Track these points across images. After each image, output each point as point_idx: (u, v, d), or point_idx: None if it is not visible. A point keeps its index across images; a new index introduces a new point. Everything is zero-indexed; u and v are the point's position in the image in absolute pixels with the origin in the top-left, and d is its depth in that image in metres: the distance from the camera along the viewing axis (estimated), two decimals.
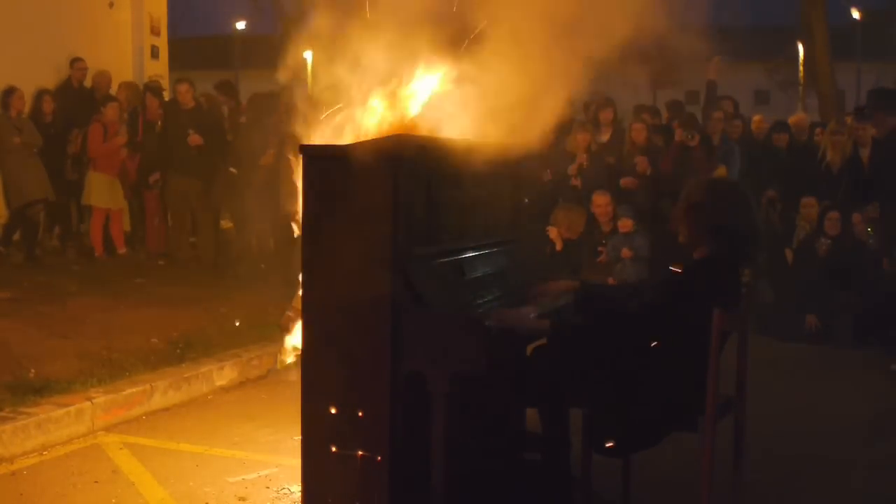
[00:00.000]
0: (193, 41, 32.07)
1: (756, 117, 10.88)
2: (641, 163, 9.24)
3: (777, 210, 9.38)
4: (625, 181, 9.24)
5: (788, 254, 9.23)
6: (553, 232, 8.75)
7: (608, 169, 9.49)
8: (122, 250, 10.11)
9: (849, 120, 9.88)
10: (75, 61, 10.83)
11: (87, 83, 11.01)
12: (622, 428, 3.72)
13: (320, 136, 4.28)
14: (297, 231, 4.34)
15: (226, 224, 10.45)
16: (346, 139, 4.18)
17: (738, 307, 3.74)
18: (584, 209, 8.98)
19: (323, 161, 3.81)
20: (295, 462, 4.23)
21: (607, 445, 3.74)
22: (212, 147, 9.90)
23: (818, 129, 10.32)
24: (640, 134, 9.58)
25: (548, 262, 8.62)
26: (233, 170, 9.71)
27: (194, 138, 9.78)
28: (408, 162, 3.70)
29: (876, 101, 8.76)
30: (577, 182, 9.42)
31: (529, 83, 3.96)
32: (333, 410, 3.78)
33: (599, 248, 8.83)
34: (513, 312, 3.88)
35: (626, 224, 8.72)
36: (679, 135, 9.14)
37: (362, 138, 4.04)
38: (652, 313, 3.65)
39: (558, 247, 8.77)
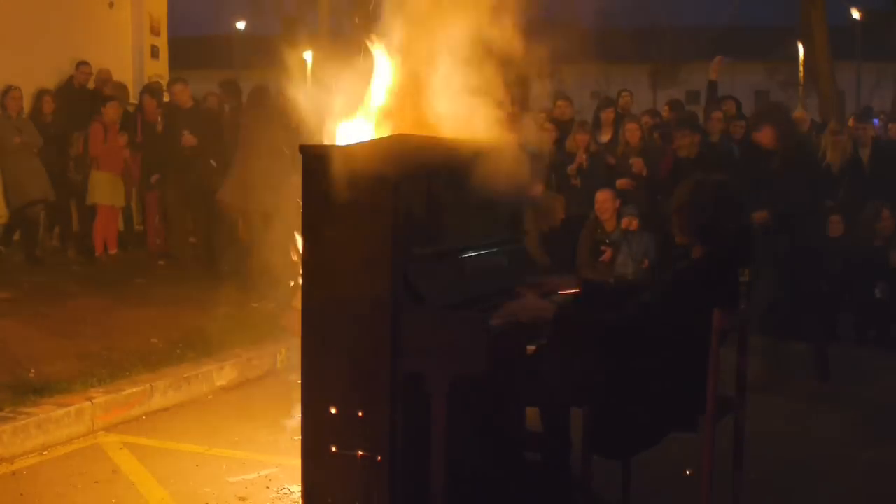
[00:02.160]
0: (193, 41, 32.06)
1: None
2: (637, 164, 9.22)
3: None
4: (621, 183, 9.23)
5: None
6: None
7: (609, 169, 9.48)
8: (113, 251, 10.10)
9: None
10: (81, 65, 10.78)
11: (90, 85, 11.01)
12: (623, 428, 3.72)
13: (321, 136, 4.28)
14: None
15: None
16: (346, 139, 4.18)
17: (737, 306, 3.74)
18: (562, 196, 8.95)
19: (323, 161, 3.80)
20: (295, 462, 4.23)
21: (609, 447, 3.74)
22: (207, 147, 9.87)
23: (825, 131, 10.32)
24: (633, 134, 9.57)
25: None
26: (212, 162, 9.71)
27: (188, 139, 9.77)
28: (408, 162, 3.70)
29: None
30: (576, 182, 9.41)
31: (530, 83, 3.97)
32: (333, 410, 3.78)
33: (602, 248, 8.80)
34: (515, 303, 3.88)
35: (631, 223, 8.69)
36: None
37: (362, 138, 4.04)
38: (650, 314, 3.64)
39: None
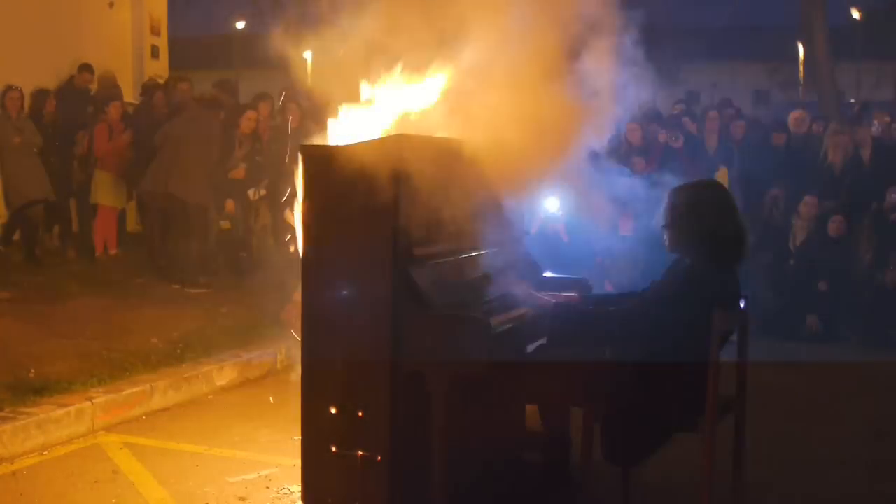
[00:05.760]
0: (193, 41, 32.05)
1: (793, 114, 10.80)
2: (638, 164, 9.21)
3: (780, 209, 9.36)
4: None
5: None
6: (561, 226, 8.67)
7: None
8: (113, 251, 10.09)
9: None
10: (83, 69, 10.76)
11: (92, 87, 11.00)
12: (631, 434, 3.71)
13: (321, 136, 4.28)
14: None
15: (225, 224, 10.46)
16: (346, 139, 4.18)
17: (737, 307, 3.75)
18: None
19: (323, 161, 3.81)
20: (295, 462, 4.23)
21: (620, 454, 3.73)
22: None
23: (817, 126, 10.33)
24: (634, 134, 9.57)
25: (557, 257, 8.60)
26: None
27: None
28: (408, 162, 3.70)
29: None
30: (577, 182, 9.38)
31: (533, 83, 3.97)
32: (333, 410, 3.78)
33: (599, 249, 8.79)
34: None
35: (625, 225, 8.66)
36: (663, 136, 9.13)
37: (363, 138, 4.03)
38: (649, 315, 3.64)
39: (564, 238, 8.72)
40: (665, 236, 3.83)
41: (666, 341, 3.60)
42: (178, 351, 6.79)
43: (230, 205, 9.65)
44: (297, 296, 4.03)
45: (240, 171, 9.55)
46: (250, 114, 9.74)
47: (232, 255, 9.94)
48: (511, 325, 3.88)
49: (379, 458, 3.70)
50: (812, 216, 9.00)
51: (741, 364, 3.91)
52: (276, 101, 10.64)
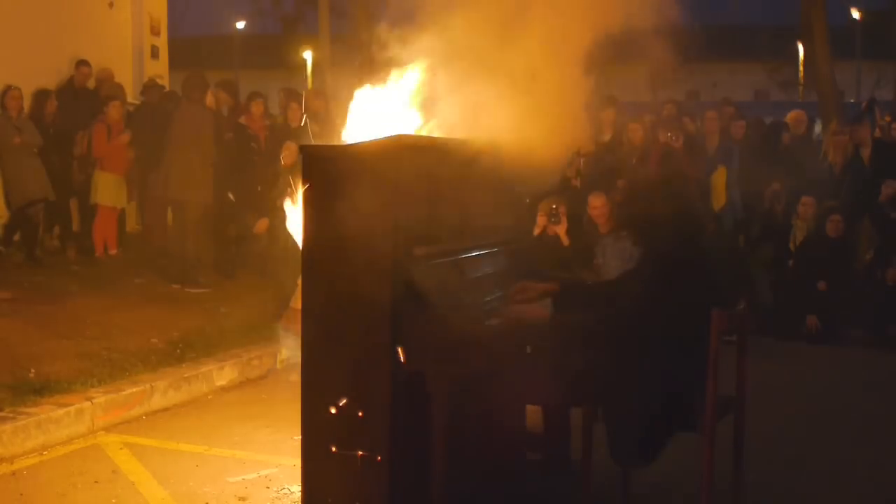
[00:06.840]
0: (193, 41, 32.07)
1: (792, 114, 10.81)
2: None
3: (781, 203, 9.36)
4: (623, 182, 9.19)
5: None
6: (561, 229, 8.63)
7: (609, 170, 9.46)
8: (113, 251, 10.09)
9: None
10: (81, 65, 10.77)
11: (91, 85, 10.99)
12: (641, 434, 3.70)
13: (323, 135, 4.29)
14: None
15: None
16: (346, 139, 4.18)
17: (735, 306, 3.74)
18: (564, 200, 8.91)
19: (323, 161, 3.81)
20: (295, 462, 4.23)
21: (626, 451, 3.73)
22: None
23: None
24: (636, 134, 9.56)
25: (559, 259, 8.58)
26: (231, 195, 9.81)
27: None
28: (408, 162, 3.70)
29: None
30: (576, 182, 9.40)
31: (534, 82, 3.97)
32: (333, 410, 3.78)
33: (596, 249, 8.78)
34: (514, 308, 3.89)
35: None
36: (663, 136, 9.13)
37: (363, 138, 4.04)
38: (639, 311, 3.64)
39: (565, 242, 8.68)
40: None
41: (661, 337, 3.59)
42: (178, 351, 6.79)
43: (264, 223, 9.38)
44: (296, 303, 4.04)
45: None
46: (290, 145, 9.50)
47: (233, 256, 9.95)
48: (511, 325, 3.87)
49: (379, 458, 3.70)
50: (811, 216, 9.00)
51: (741, 364, 3.91)
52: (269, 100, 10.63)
